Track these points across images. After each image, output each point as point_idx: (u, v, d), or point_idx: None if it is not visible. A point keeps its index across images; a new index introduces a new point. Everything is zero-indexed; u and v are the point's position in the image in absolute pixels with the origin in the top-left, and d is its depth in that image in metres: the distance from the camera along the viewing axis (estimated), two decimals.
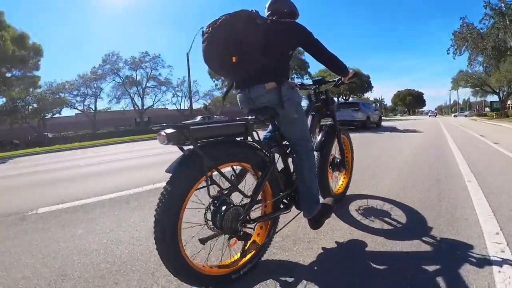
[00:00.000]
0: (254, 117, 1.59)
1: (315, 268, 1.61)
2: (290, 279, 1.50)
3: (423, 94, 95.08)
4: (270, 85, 1.64)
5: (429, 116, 72.17)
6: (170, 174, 1.28)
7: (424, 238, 1.86)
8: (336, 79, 2.34)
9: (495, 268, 1.47)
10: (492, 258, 1.57)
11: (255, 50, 1.56)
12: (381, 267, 1.57)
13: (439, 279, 1.43)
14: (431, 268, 1.53)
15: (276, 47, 1.66)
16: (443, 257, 1.63)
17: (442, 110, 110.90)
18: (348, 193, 2.72)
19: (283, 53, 1.73)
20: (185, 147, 1.35)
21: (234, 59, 1.55)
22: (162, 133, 1.24)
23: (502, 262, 1.51)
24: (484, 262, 1.54)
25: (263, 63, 1.59)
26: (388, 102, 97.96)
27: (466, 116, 45.41)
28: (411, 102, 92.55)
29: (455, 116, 52.18)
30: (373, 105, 20.56)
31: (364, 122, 14.31)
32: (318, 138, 2.32)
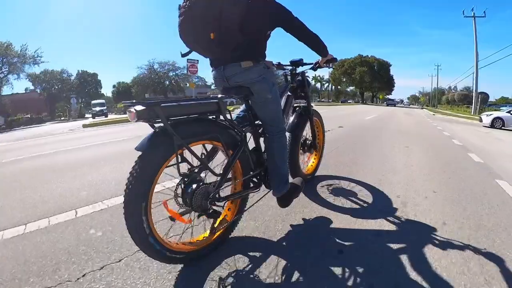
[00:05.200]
0: (227, 95, 1.58)
1: (284, 244, 1.68)
2: (259, 255, 1.56)
3: (390, 65, 56.59)
4: (246, 63, 1.61)
5: (404, 104, 60.03)
6: (140, 152, 1.25)
7: (389, 218, 2.00)
8: (314, 62, 2.34)
9: (454, 251, 1.61)
10: (454, 242, 1.71)
11: (233, 27, 1.52)
12: (347, 243, 1.68)
13: (404, 255, 1.55)
14: (395, 246, 1.65)
15: (255, 26, 1.62)
16: (408, 236, 1.77)
17: (416, 100, 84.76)
18: (317, 173, 2.82)
19: (261, 32, 1.69)
20: (156, 125, 1.32)
21: (212, 36, 1.50)
22: (132, 109, 1.20)
23: (462, 247, 1.65)
24: (447, 244, 1.68)
25: (241, 41, 1.55)
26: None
27: None
28: (364, 77, 52.70)
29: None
30: None
31: None
32: (291, 119, 2.35)
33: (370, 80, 53.90)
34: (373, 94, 64.97)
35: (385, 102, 47.34)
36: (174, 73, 42.91)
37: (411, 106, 66.59)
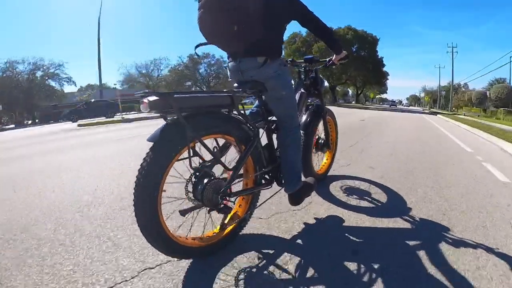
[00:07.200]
0: (241, 89, 1.56)
1: (297, 241, 1.64)
2: (272, 251, 1.53)
3: (377, 39, 35.49)
4: (262, 59, 1.59)
5: (404, 106, 51.04)
6: (152, 143, 1.24)
7: (404, 217, 1.94)
8: (327, 59, 2.31)
9: (469, 249, 1.54)
10: (467, 241, 1.63)
11: (254, 20, 1.49)
12: (360, 241, 1.63)
13: (420, 253, 1.50)
14: (412, 242, 1.61)
15: (274, 20, 1.61)
16: (423, 234, 1.71)
17: (416, 101, 74.33)
18: (330, 173, 2.77)
19: (278, 26, 1.68)
20: (169, 116, 1.31)
21: (233, 29, 1.48)
22: (145, 100, 1.19)
23: (475, 245, 1.58)
24: (462, 243, 1.61)
25: (260, 35, 1.53)
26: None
27: None
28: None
29: None
30: None
31: None
32: (304, 117, 2.32)
33: (342, 65, 24.52)
34: (357, 91, 46.65)
35: (388, 103, 52.49)
36: (43, 72, 32.06)
37: (411, 107, 60.72)
